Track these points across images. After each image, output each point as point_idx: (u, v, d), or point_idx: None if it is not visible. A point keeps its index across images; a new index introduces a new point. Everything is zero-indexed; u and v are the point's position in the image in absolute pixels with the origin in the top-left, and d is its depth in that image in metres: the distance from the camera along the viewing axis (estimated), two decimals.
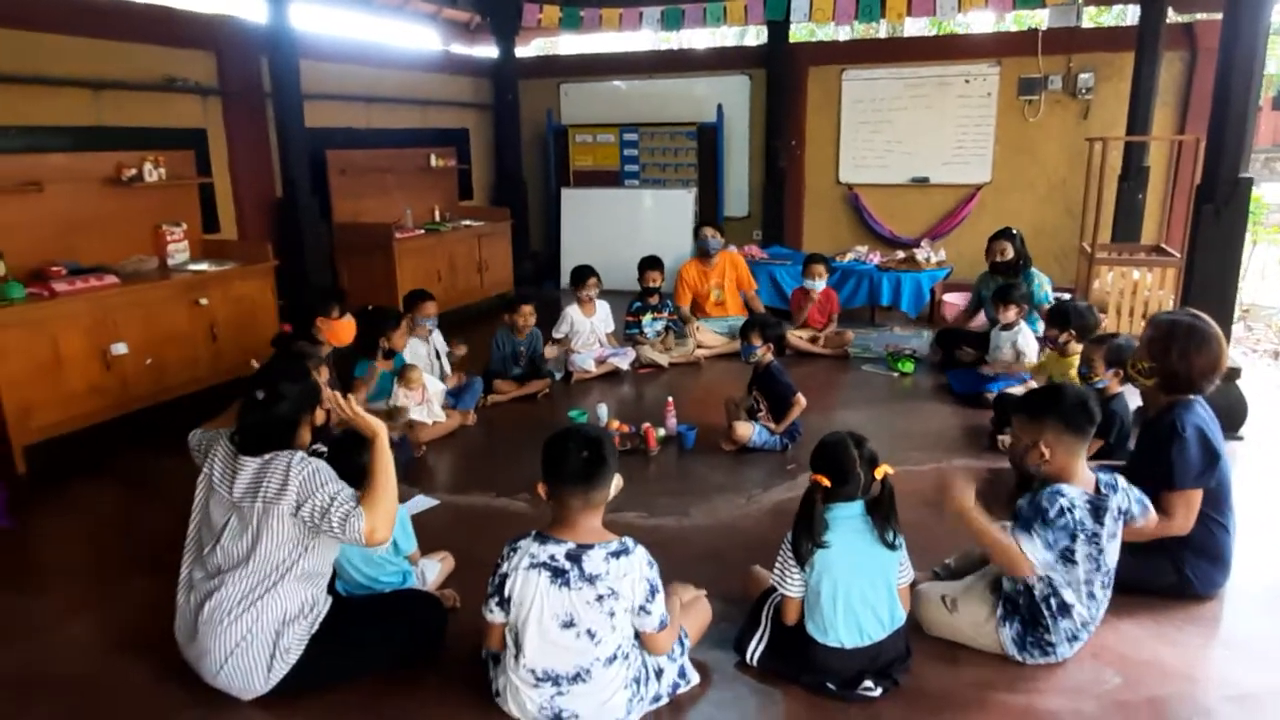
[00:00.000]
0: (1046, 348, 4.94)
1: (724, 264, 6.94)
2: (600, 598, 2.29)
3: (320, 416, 2.77)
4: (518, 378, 5.60)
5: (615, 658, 2.36)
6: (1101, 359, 3.90)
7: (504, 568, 2.36)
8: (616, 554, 2.32)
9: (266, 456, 2.51)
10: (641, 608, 2.33)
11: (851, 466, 2.48)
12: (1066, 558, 2.58)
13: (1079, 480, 2.64)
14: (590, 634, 2.31)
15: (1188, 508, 2.93)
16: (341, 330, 4.42)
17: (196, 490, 2.63)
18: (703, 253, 6.89)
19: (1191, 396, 3.06)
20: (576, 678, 2.34)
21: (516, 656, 2.38)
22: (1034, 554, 2.56)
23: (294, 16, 6.13)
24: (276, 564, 2.46)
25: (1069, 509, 2.55)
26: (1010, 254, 6.08)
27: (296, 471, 2.45)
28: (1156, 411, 3.14)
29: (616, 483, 2.41)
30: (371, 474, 2.51)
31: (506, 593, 2.34)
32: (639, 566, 2.33)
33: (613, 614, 2.30)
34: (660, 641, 2.43)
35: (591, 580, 2.28)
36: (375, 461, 2.53)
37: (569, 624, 2.30)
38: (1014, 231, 6.13)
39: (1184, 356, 3.01)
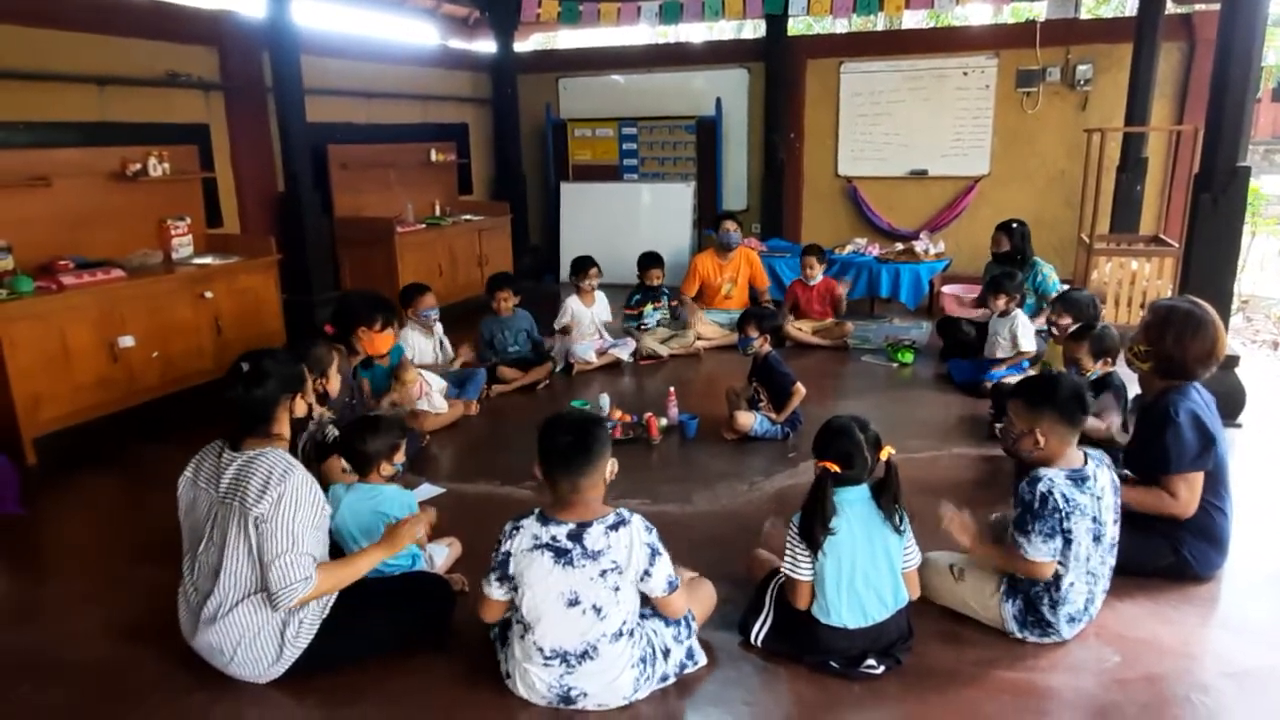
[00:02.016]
0: (1049, 338, 4.95)
1: (740, 259, 6.97)
2: (604, 572, 2.33)
3: (301, 407, 2.73)
4: (519, 360, 5.63)
5: (621, 634, 2.40)
6: (1087, 354, 3.94)
7: (507, 546, 2.40)
8: (614, 526, 2.36)
9: (250, 454, 2.49)
10: (645, 572, 2.37)
11: (858, 450, 2.52)
12: (1065, 538, 2.62)
13: (1067, 463, 2.68)
14: (596, 609, 2.35)
15: (1189, 489, 2.96)
16: (380, 342, 4.39)
17: (179, 492, 2.64)
18: (723, 247, 6.90)
19: (1187, 382, 3.09)
20: (584, 655, 2.38)
21: (524, 635, 2.42)
22: (1039, 553, 2.59)
23: (294, 12, 6.14)
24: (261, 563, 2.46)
25: (1049, 491, 2.59)
26: (1005, 246, 6.11)
27: (276, 484, 2.41)
28: (1152, 397, 3.18)
29: (610, 467, 2.43)
30: (355, 559, 2.67)
31: (510, 570, 2.39)
32: (638, 534, 2.37)
33: (617, 588, 2.35)
34: (673, 604, 2.48)
35: (594, 556, 2.33)
36: (365, 556, 2.67)
37: (574, 602, 2.34)
38: (1014, 225, 6.15)
39: (1179, 342, 3.05)
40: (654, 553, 2.39)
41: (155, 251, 5.48)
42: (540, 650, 2.40)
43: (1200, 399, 3.07)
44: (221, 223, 6.38)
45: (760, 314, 4.79)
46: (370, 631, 2.67)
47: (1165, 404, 3.02)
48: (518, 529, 2.41)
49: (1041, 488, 2.60)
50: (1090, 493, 2.65)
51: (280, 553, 2.40)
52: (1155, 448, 2.99)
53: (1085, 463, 2.71)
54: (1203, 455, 2.97)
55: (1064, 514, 2.59)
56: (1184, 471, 2.96)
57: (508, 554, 2.39)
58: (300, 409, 2.73)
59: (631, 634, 2.44)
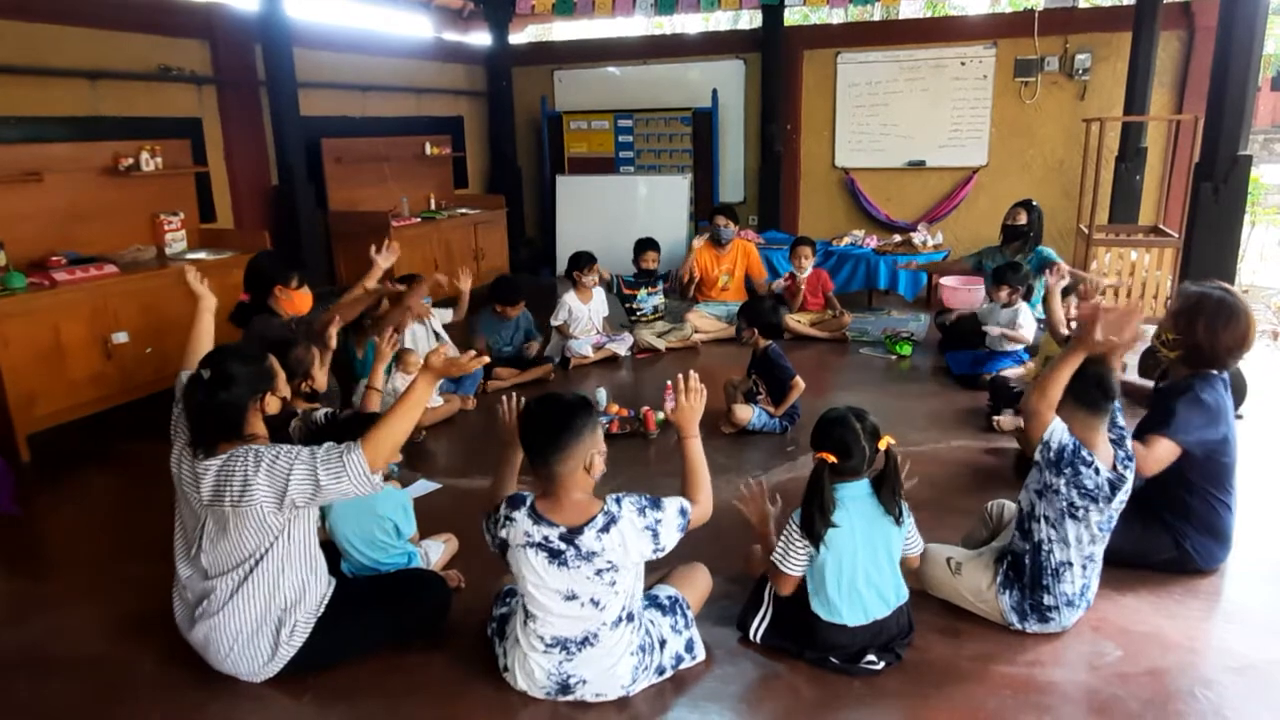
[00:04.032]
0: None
1: (737, 251, 6.93)
2: (599, 571, 2.31)
3: (274, 404, 2.57)
4: (516, 361, 5.61)
5: (621, 620, 2.39)
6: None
7: (502, 534, 2.37)
8: (606, 528, 2.31)
9: (224, 457, 2.37)
10: (655, 551, 2.36)
11: (855, 440, 2.48)
12: (1072, 514, 2.60)
13: (1099, 455, 2.61)
14: (594, 602, 2.34)
15: (1166, 454, 2.87)
16: (300, 300, 4.23)
17: (173, 474, 2.57)
18: (715, 241, 6.87)
19: (1215, 371, 3.00)
20: (585, 642, 2.37)
21: (526, 623, 2.41)
22: (1057, 429, 2.54)
23: (287, 4, 6.10)
24: (251, 553, 2.41)
25: (1098, 469, 2.54)
26: (1023, 220, 6.01)
27: (254, 468, 2.30)
28: (1174, 381, 3.10)
29: (591, 458, 2.34)
30: (402, 401, 2.35)
31: (507, 557, 2.38)
32: (630, 525, 2.32)
33: (614, 583, 2.33)
34: (700, 519, 2.50)
35: (589, 558, 2.30)
36: (410, 395, 2.36)
37: (571, 597, 2.33)
38: (1034, 203, 6.11)
39: (1210, 330, 2.93)
40: (654, 534, 2.35)
41: (148, 246, 5.46)
42: (541, 638, 2.39)
43: (1224, 391, 3.00)
44: (215, 217, 6.35)
45: (755, 309, 4.76)
46: (366, 629, 2.65)
47: (1190, 382, 2.96)
48: (511, 520, 2.35)
49: (1097, 461, 2.53)
50: (1118, 497, 2.60)
51: (310, 459, 2.28)
52: (1163, 408, 2.92)
53: (1118, 469, 2.61)
54: (1199, 433, 2.89)
55: (1092, 496, 2.54)
56: (1174, 436, 2.87)
57: (504, 541, 2.37)
58: (273, 406, 2.57)
59: (631, 618, 2.42)
